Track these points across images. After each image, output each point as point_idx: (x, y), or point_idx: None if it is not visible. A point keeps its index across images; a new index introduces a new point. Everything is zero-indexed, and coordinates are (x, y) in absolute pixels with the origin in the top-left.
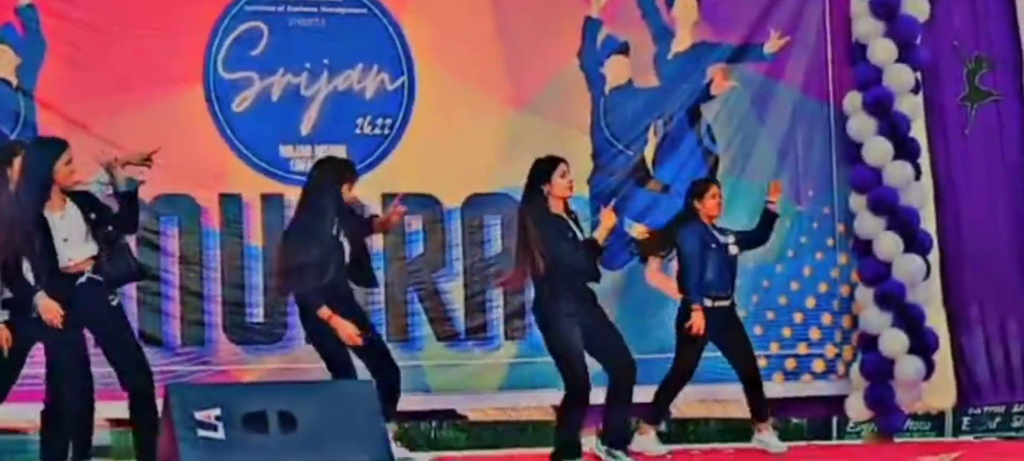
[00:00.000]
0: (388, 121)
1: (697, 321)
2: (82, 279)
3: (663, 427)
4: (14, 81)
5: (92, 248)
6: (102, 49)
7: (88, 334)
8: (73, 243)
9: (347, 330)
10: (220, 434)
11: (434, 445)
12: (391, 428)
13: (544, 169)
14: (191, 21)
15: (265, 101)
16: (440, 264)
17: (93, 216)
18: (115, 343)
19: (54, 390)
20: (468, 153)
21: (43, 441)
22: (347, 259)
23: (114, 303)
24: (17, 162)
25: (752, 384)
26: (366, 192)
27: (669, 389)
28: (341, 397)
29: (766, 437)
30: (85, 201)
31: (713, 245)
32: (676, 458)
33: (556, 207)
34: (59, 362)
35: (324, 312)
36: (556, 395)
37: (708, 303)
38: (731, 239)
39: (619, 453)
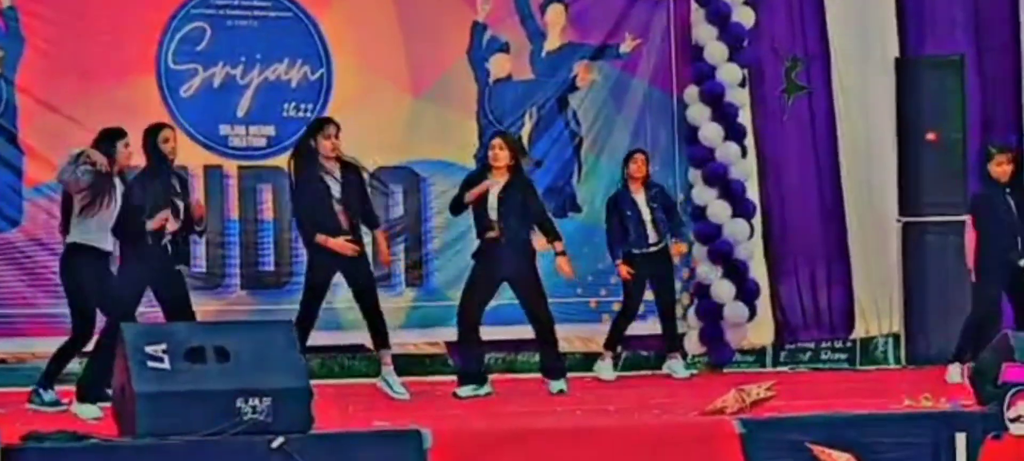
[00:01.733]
0: (310, 106)
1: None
2: None
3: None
4: None
5: None
6: (72, 45)
7: None
8: None
9: (340, 244)
10: (166, 365)
11: (347, 373)
12: (388, 353)
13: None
14: (146, 21)
15: (208, 88)
16: None
17: None
18: None
19: None
20: (376, 133)
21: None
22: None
23: None
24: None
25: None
26: None
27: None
28: (267, 334)
29: (674, 364)
30: None
31: (628, 209)
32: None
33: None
34: None
35: (319, 238)
36: (447, 332)
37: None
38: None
39: None
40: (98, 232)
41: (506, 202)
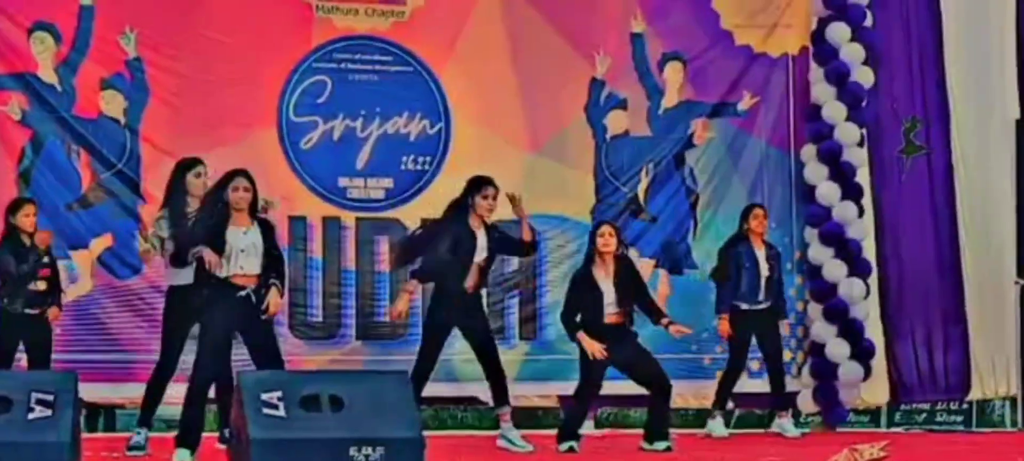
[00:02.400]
0: (428, 159)
1: (723, 327)
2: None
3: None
4: (122, 120)
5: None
6: (196, 96)
7: None
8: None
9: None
10: (281, 412)
11: (460, 425)
12: (507, 411)
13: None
14: (269, 74)
15: (328, 140)
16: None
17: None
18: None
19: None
20: None
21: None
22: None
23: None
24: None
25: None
26: (409, 215)
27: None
28: (381, 385)
29: (784, 422)
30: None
31: (747, 262)
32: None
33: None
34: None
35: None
36: (560, 386)
37: (744, 307)
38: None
39: None
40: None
41: (620, 288)
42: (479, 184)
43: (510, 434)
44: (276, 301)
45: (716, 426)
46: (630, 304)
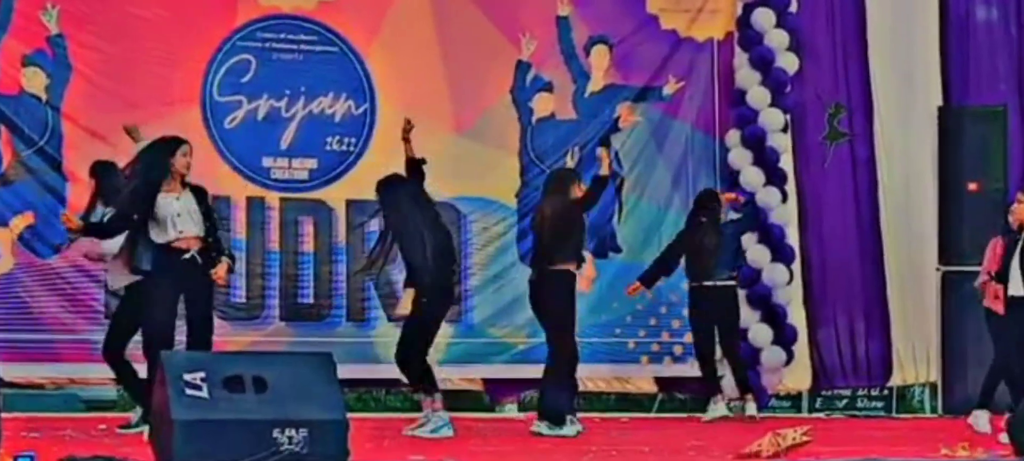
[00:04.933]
0: (353, 140)
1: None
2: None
3: None
4: (44, 97)
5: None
6: (118, 74)
7: None
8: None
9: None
10: (204, 393)
11: (381, 407)
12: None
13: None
14: (192, 53)
15: (252, 120)
16: (392, 258)
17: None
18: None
19: None
20: None
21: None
22: None
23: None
24: None
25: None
26: (334, 196)
27: None
28: (306, 366)
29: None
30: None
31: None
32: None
33: None
34: None
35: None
36: (484, 369)
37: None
38: None
39: None
40: None
41: None
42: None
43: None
44: (223, 271)
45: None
46: None
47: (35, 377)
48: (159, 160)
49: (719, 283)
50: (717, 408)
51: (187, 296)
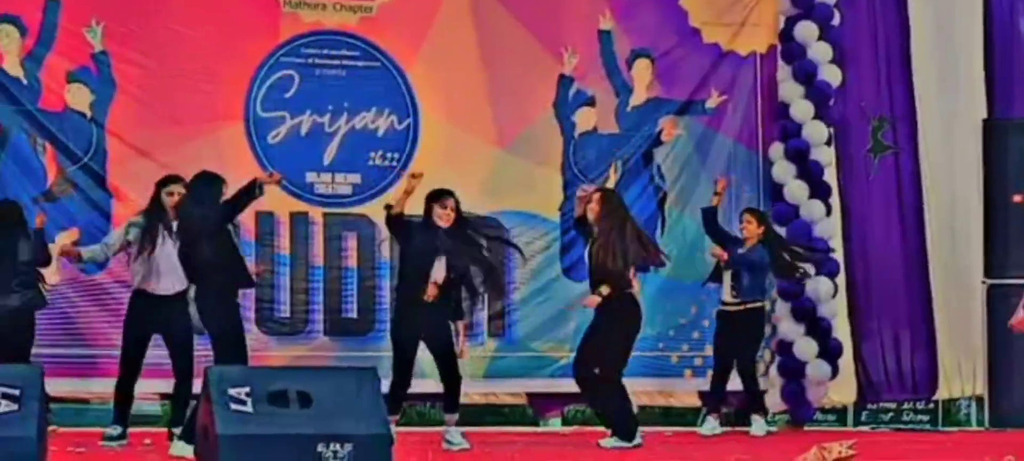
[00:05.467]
0: (396, 155)
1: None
2: None
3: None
4: (89, 114)
5: None
6: (163, 90)
7: None
8: None
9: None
10: (249, 408)
11: (428, 421)
12: (454, 417)
13: None
14: (236, 69)
15: (295, 135)
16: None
17: None
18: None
19: None
20: (460, 183)
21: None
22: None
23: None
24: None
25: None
26: (377, 211)
27: None
28: (350, 381)
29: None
30: None
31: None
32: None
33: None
34: None
35: None
36: (528, 383)
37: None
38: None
39: None
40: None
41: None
42: (437, 196)
43: (452, 436)
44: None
45: (707, 425)
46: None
47: (80, 392)
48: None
49: (748, 306)
50: (709, 424)
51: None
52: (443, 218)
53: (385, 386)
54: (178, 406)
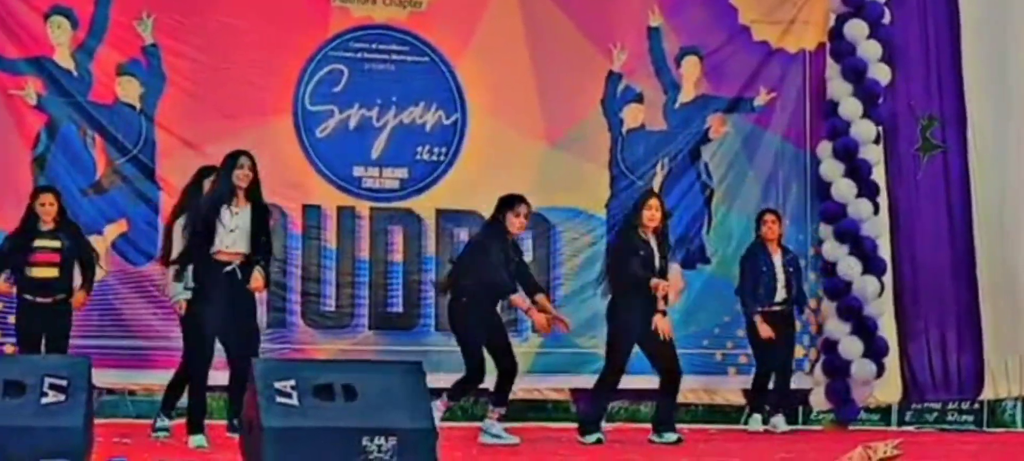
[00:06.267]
0: (444, 150)
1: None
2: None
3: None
4: (138, 106)
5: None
6: (212, 84)
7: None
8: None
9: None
10: (294, 401)
11: (473, 416)
12: (500, 411)
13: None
14: (285, 63)
15: (343, 129)
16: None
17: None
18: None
19: None
20: (508, 179)
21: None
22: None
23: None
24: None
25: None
26: (424, 206)
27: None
28: (395, 375)
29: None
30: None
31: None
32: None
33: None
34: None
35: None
36: (573, 379)
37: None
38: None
39: None
40: None
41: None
42: (512, 202)
43: (493, 429)
44: (259, 278)
45: (753, 422)
46: None
47: (127, 383)
48: (223, 175)
49: (775, 308)
50: (754, 421)
51: (229, 308)
52: (517, 226)
53: (432, 382)
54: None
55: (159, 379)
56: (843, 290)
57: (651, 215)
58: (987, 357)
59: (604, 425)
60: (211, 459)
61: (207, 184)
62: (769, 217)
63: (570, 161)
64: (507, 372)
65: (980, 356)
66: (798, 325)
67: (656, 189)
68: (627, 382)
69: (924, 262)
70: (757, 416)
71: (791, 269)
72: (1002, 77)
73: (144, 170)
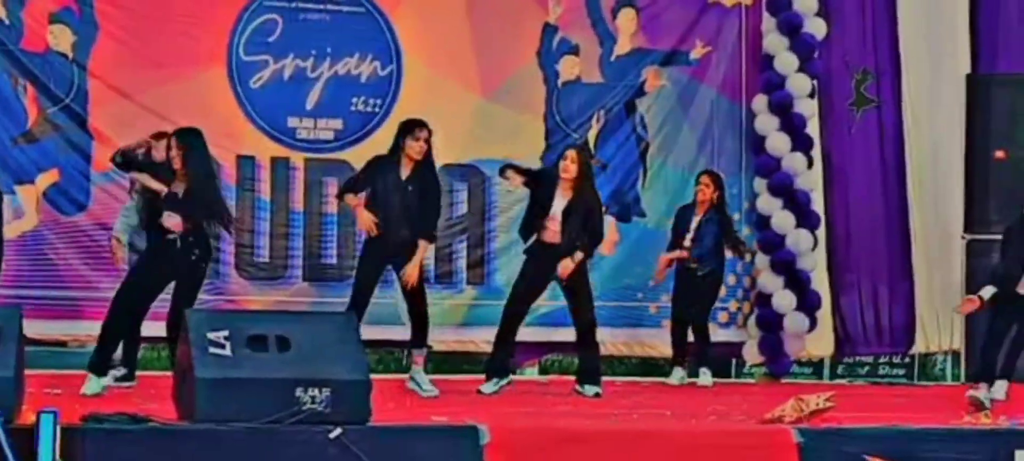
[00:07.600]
0: (379, 101)
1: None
2: None
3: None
4: (70, 55)
5: None
6: (145, 32)
7: None
8: None
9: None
10: (227, 351)
11: (402, 368)
12: (421, 353)
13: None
14: (219, 12)
15: (278, 80)
16: None
17: None
18: None
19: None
20: (443, 130)
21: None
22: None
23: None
24: None
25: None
26: (358, 157)
27: None
28: (329, 325)
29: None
30: None
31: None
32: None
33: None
34: None
35: (350, 199)
36: None
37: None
38: None
39: None
40: None
41: (571, 215)
42: (411, 126)
43: (418, 376)
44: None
45: (674, 375)
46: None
47: (59, 334)
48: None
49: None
50: (677, 374)
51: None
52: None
53: (365, 334)
54: None
55: (90, 330)
56: (777, 243)
57: (565, 165)
58: (919, 311)
59: (536, 376)
60: (145, 409)
61: None
62: (704, 178)
63: (505, 113)
64: (419, 316)
65: (912, 310)
66: (732, 279)
67: (591, 142)
68: (558, 335)
69: (857, 216)
70: (679, 370)
71: (705, 228)
72: (936, 31)
73: (76, 119)
